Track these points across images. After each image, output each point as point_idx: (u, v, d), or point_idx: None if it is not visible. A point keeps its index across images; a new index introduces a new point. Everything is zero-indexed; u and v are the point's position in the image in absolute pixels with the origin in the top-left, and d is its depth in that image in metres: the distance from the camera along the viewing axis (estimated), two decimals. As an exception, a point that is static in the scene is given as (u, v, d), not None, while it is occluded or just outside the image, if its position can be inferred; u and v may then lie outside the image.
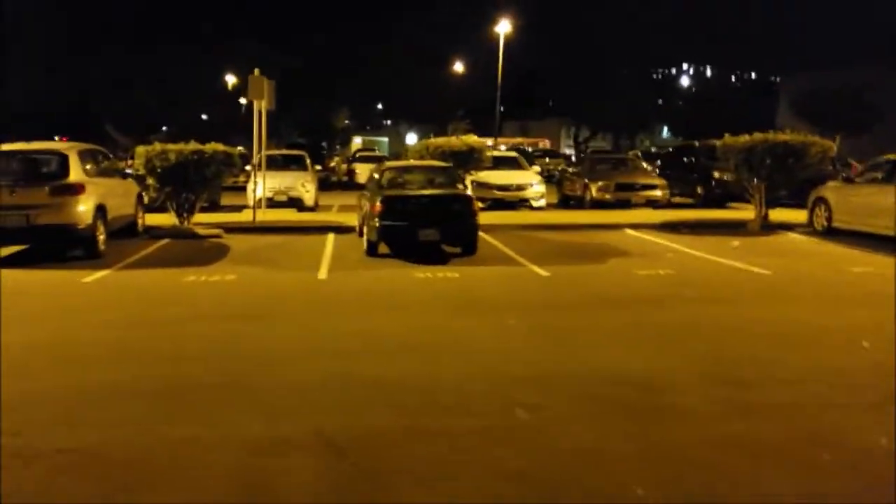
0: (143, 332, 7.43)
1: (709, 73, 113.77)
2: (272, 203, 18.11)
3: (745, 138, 15.77)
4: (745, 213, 17.14)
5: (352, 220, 15.44)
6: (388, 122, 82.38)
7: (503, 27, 40.98)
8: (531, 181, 19.51)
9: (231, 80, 54.62)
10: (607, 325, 7.67)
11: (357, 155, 32.18)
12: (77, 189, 11.55)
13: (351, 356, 6.51)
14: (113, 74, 41.32)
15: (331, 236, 14.45)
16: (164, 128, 47.03)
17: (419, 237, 11.55)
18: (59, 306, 8.75)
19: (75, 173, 11.70)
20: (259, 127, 15.98)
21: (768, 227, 15.40)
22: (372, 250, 12.06)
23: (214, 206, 18.72)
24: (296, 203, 19.12)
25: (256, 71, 15.54)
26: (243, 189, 19.19)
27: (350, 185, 30.11)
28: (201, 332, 7.50)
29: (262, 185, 17.32)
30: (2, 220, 11.11)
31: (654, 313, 8.16)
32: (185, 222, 14.90)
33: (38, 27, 38.88)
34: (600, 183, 19.31)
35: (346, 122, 58.73)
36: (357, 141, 52.36)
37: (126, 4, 42.26)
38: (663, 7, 50.66)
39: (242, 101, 53.48)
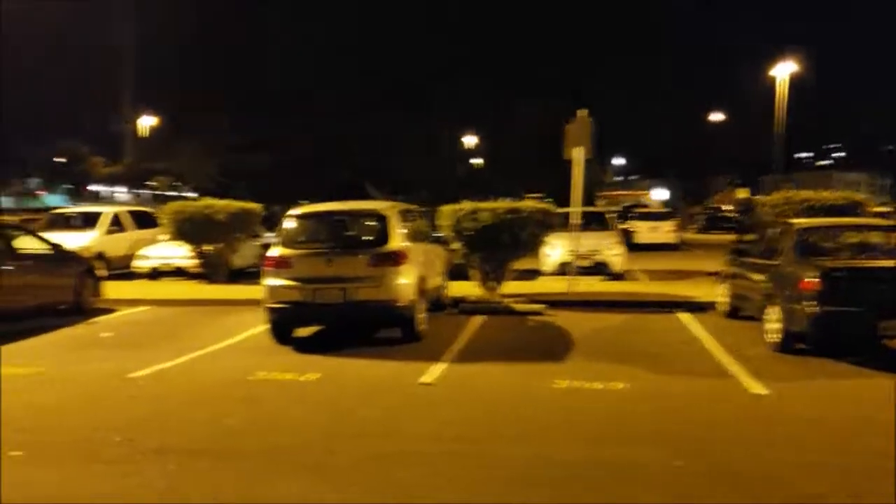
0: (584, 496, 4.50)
1: None
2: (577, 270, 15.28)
3: None
4: None
5: (689, 290, 12.87)
6: (621, 177, 78.49)
7: (781, 70, 36.19)
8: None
9: (471, 140, 54.34)
10: None
11: (635, 210, 28.38)
12: (400, 258, 9.25)
13: None
14: (372, 131, 42.33)
15: (685, 316, 11.17)
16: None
17: (879, 331, 7.83)
18: (414, 430, 6.10)
19: (397, 238, 9.42)
20: (578, 180, 13.15)
21: None
22: (788, 344, 8.50)
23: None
24: (601, 269, 16.16)
25: (583, 112, 12.72)
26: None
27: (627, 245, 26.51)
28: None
29: (565, 248, 14.87)
30: (317, 295, 9.04)
31: None
32: (494, 293, 12.40)
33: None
34: None
35: (613, 177, 55.99)
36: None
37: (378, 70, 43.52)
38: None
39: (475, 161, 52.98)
